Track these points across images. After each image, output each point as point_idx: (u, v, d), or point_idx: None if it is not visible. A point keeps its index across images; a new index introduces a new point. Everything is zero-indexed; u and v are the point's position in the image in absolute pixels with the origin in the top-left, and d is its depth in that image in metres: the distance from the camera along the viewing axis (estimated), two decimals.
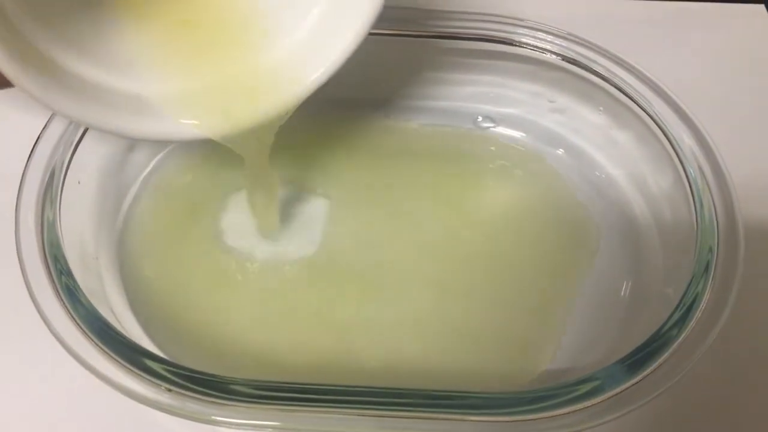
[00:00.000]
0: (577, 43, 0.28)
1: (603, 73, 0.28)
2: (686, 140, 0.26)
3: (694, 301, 0.22)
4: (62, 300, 0.21)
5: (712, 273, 0.23)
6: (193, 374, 0.20)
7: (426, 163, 0.31)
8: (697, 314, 0.22)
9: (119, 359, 0.20)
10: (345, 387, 0.20)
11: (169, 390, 0.20)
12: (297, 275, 0.28)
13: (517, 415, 0.20)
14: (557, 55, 0.28)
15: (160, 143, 0.30)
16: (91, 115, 0.22)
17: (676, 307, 0.22)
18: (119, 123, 0.22)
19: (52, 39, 0.21)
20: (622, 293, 0.27)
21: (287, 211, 0.30)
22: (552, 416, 0.20)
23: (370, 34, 0.28)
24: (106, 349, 0.21)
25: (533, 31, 0.29)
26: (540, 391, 0.20)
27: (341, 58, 0.23)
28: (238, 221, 0.29)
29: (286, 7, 0.23)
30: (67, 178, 0.24)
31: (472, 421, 0.20)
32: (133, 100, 0.22)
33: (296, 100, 0.23)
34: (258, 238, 0.29)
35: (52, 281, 0.22)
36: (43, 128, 0.25)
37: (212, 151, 0.31)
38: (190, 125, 0.23)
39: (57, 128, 0.25)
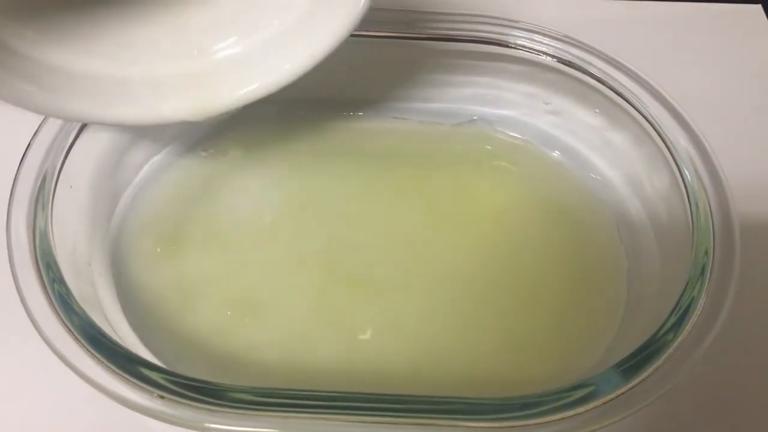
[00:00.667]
0: (573, 45, 0.28)
1: (599, 75, 0.28)
2: (682, 142, 0.26)
3: (689, 305, 0.22)
4: (55, 308, 0.21)
5: (708, 276, 0.22)
6: (186, 381, 0.20)
7: (422, 164, 0.31)
8: (693, 318, 0.22)
9: (113, 367, 0.20)
10: (339, 393, 0.20)
11: (162, 397, 0.20)
12: (296, 281, 0.28)
13: (509, 421, 0.19)
14: (553, 57, 0.28)
15: (154, 145, 0.30)
16: (63, 105, 0.22)
17: (672, 311, 0.22)
18: (89, 109, 0.22)
19: (23, 32, 0.21)
20: (618, 295, 0.27)
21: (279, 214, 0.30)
22: (545, 422, 0.20)
23: (367, 35, 0.28)
24: (100, 357, 0.20)
25: (529, 33, 0.28)
26: (532, 397, 0.20)
27: (305, 65, 0.24)
28: (234, 223, 0.29)
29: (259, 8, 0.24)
30: (59, 183, 0.24)
31: (463, 427, 0.20)
32: (100, 83, 0.23)
33: (264, 94, 0.24)
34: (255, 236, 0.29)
35: (45, 289, 0.22)
36: (35, 133, 0.25)
37: (206, 155, 0.31)
38: (165, 109, 0.23)
39: (48, 133, 0.25)
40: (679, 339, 0.21)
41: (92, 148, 0.26)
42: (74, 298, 0.22)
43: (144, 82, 0.24)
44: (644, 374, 0.21)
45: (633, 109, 0.27)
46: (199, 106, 0.24)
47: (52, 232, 0.23)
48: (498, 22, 0.28)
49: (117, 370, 0.20)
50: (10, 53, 0.21)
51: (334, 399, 0.20)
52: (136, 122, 0.24)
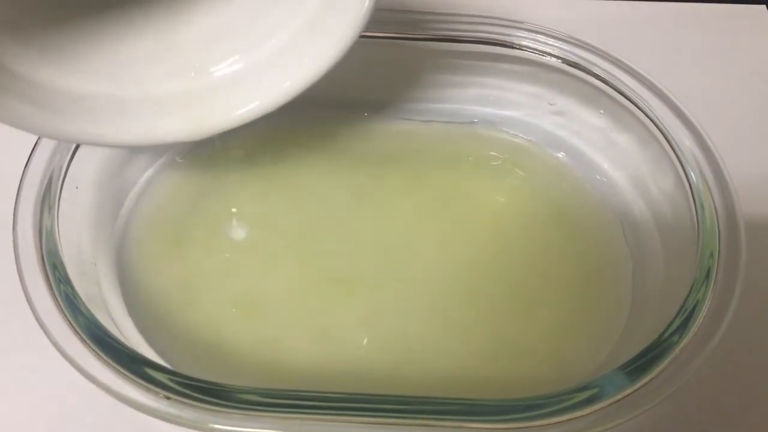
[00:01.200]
0: (578, 45, 0.28)
1: (603, 76, 0.28)
2: (687, 143, 0.26)
3: (695, 308, 0.22)
4: (61, 308, 0.21)
5: (713, 279, 0.22)
6: (193, 382, 0.20)
7: (426, 165, 0.31)
8: (699, 320, 0.22)
9: (119, 368, 0.20)
10: (346, 394, 0.20)
11: (168, 398, 0.20)
12: (298, 282, 0.28)
13: (513, 422, 0.19)
14: (558, 58, 0.28)
15: (158, 146, 0.30)
16: (61, 126, 0.22)
17: (677, 313, 0.22)
18: (89, 131, 0.22)
19: (19, 52, 0.21)
20: (623, 297, 0.27)
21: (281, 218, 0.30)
22: (549, 424, 0.19)
23: (370, 36, 0.28)
24: (105, 358, 0.21)
25: (533, 34, 0.28)
26: (536, 398, 0.20)
27: (311, 77, 0.24)
28: (237, 223, 0.29)
29: (259, 24, 0.24)
30: (64, 183, 0.24)
31: (467, 428, 0.20)
32: (97, 104, 0.23)
33: (263, 113, 0.24)
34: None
35: (51, 290, 0.22)
36: None
37: (212, 156, 0.31)
38: (163, 130, 0.23)
39: None
40: (685, 341, 0.21)
41: (98, 148, 0.26)
42: (80, 298, 0.22)
43: (142, 102, 0.24)
44: (649, 376, 0.21)
45: (638, 110, 0.27)
46: (197, 126, 0.24)
47: (59, 232, 0.23)
48: (503, 23, 0.28)
49: (123, 371, 0.20)
50: (6, 72, 0.21)
51: (340, 400, 0.20)
52: (134, 143, 0.24)
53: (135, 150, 0.28)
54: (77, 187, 0.25)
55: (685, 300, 0.22)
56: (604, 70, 0.28)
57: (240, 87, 0.24)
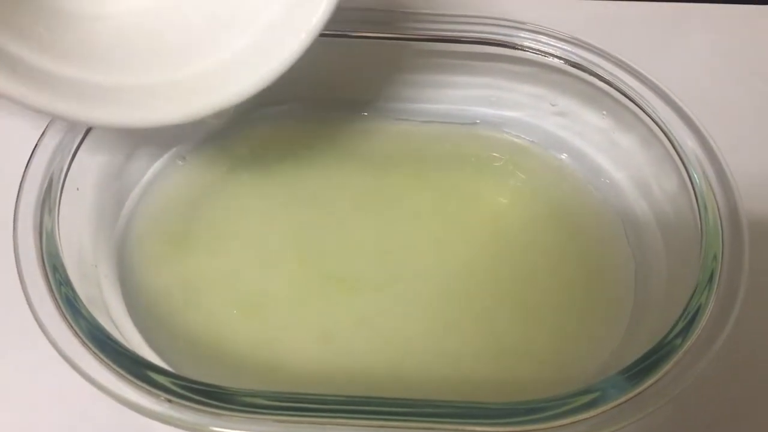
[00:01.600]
0: (580, 46, 0.28)
1: (606, 77, 0.28)
2: (689, 144, 0.26)
3: (698, 310, 0.22)
4: (62, 311, 0.21)
5: (716, 282, 0.22)
6: (195, 385, 0.20)
7: (427, 166, 0.31)
8: (702, 323, 0.22)
9: (120, 370, 0.20)
10: (348, 397, 0.20)
11: (170, 401, 0.20)
12: (298, 282, 0.28)
13: (513, 425, 0.19)
14: (560, 58, 0.28)
15: (159, 147, 0.30)
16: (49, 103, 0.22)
17: (680, 316, 0.22)
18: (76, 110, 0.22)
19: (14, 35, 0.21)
20: (625, 300, 0.27)
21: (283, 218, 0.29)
22: (550, 428, 0.19)
23: (371, 37, 0.28)
24: (107, 361, 0.20)
25: (535, 35, 0.28)
26: (538, 401, 0.20)
27: (289, 60, 0.23)
28: (239, 223, 0.29)
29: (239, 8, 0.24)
30: (65, 185, 0.24)
31: (469, 431, 0.19)
32: (90, 88, 0.23)
33: (252, 93, 0.24)
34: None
35: (52, 292, 0.21)
36: (41, 135, 0.25)
37: (212, 157, 0.31)
38: (153, 113, 0.23)
39: (55, 135, 0.25)
40: (688, 344, 0.21)
41: (98, 150, 0.26)
42: (81, 300, 0.22)
43: (128, 90, 0.24)
44: (651, 380, 0.20)
45: (640, 110, 0.27)
46: (185, 109, 0.24)
47: (59, 234, 0.23)
48: (505, 23, 0.28)
49: (124, 374, 0.20)
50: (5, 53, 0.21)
51: (341, 403, 0.20)
52: (122, 125, 0.24)
53: (141, 132, 0.28)
54: (78, 189, 0.25)
55: (688, 303, 0.22)
56: (606, 70, 0.28)
57: (221, 72, 0.24)
